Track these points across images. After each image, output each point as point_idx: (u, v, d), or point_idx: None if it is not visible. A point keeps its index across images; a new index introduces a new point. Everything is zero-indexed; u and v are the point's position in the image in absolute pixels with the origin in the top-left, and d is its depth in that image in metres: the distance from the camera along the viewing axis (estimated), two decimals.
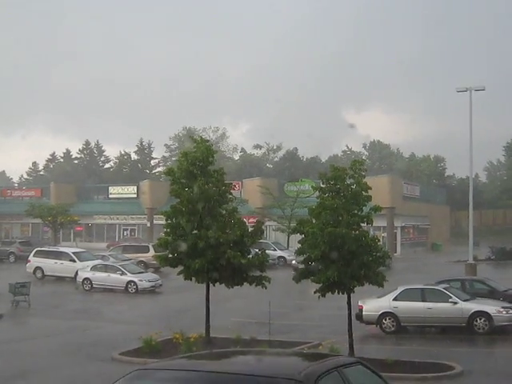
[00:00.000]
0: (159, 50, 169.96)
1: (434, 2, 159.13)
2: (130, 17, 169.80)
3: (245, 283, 22.25)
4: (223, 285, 22.41)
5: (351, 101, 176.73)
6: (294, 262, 38.71)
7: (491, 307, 24.24)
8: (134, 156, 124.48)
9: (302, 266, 20.97)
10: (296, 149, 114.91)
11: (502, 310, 24.13)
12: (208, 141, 23.73)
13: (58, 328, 26.87)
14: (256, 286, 22.04)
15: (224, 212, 22.38)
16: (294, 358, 8.93)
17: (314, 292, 20.43)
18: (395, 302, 25.00)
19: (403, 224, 72.91)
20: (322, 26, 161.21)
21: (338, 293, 20.19)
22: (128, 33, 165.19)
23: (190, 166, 22.00)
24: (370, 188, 20.31)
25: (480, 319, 23.96)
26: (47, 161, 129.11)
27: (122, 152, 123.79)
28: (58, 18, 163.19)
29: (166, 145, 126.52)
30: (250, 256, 21.89)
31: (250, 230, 22.58)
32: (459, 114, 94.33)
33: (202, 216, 21.58)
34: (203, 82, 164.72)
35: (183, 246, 21.26)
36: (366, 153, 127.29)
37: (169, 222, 22.22)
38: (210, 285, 22.29)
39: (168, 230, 22.30)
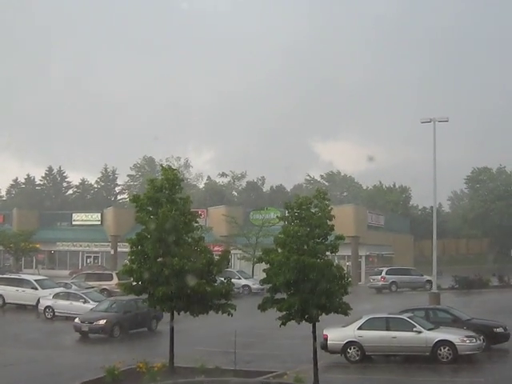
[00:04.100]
0: (123, 76, 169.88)
1: (399, 34, 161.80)
2: (92, 41, 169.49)
3: (210, 311, 22.11)
4: (188, 313, 22.23)
5: (317, 130, 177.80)
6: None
7: (455, 336, 24.31)
8: (98, 183, 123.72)
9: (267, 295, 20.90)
10: (263, 178, 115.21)
11: (465, 339, 24.19)
12: (175, 169, 23.69)
13: (19, 357, 26.33)
14: (222, 313, 21.91)
15: (190, 240, 22.27)
16: None
17: (277, 319, 20.35)
18: (360, 331, 24.97)
19: (368, 253, 73.24)
20: (291, 56, 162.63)
21: (304, 321, 20.13)
22: (91, 58, 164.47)
23: (156, 194, 21.92)
24: (334, 217, 20.42)
25: (444, 348, 24.02)
26: (10, 186, 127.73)
27: (86, 178, 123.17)
28: (19, 49, 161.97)
29: (129, 175, 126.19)
30: (216, 284, 21.81)
31: (216, 258, 22.51)
32: (424, 145, 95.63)
33: (168, 244, 21.45)
34: (169, 109, 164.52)
35: (148, 274, 21.09)
36: (329, 182, 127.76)
37: (134, 249, 22.04)
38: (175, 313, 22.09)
39: (133, 257, 22.09)
